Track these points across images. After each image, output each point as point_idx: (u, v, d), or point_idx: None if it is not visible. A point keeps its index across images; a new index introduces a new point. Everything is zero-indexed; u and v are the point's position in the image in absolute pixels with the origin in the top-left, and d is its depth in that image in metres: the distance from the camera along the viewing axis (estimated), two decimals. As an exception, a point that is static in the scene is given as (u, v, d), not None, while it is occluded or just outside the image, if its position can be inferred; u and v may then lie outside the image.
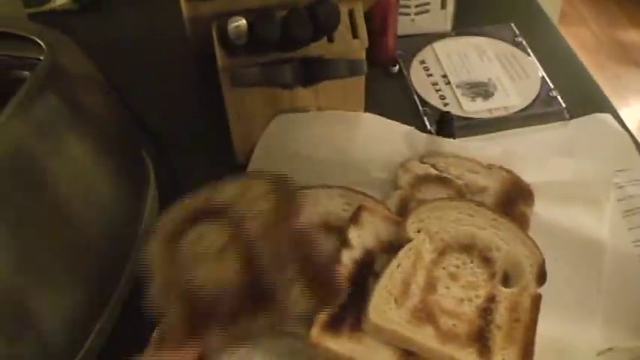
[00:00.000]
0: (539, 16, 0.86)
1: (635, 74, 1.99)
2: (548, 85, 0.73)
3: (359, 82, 0.65)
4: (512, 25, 0.81)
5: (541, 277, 0.53)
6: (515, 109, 0.71)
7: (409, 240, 0.54)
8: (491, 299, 0.52)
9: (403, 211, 0.58)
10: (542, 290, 0.53)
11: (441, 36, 0.80)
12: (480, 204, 0.57)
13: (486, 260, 0.54)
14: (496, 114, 0.71)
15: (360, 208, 0.56)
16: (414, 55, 0.78)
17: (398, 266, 0.52)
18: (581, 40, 2.04)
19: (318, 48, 0.61)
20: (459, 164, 0.62)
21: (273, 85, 0.61)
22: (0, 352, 0.44)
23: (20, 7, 0.75)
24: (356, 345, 0.49)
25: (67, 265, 0.48)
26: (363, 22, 0.62)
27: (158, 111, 0.68)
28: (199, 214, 0.45)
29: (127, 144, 0.59)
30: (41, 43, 0.50)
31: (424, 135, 0.66)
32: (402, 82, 0.75)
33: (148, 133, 0.64)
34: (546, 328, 0.51)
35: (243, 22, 0.58)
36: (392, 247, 0.54)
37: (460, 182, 0.61)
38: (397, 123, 0.67)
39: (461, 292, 0.52)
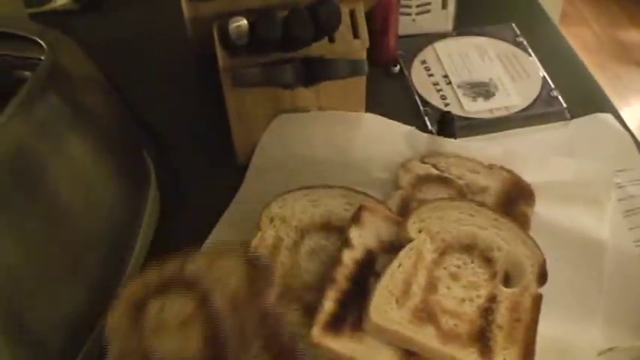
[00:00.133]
0: (541, 16, 0.86)
1: (636, 74, 1.99)
2: (549, 85, 0.73)
3: (360, 82, 0.65)
4: (514, 25, 0.80)
5: (542, 277, 0.53)
6: (516, 109, 0.71)
7: (410, 240, 0.53)
8: (492, 299, 0.52)
9: (404, 211, 0.58)
10: (543, 290, 0.53)
11: (442, 36, 0.79)
12: (481, 204, 0.57)
13: (487, 260, 0.54)
14: (497, 114, 0.71)
15: (361, 208, 0.56)
16: (415, 55, 0.77)
17: (399, 266, 0.52)
18: (582, 40, 2.04)
19: (319, 48, 0.61)
20: (459, 164, 0.62)
21: (274, 85, 0.61)
22: (0, 353, 0.44)
23: (21, 7, 0.75)
24: (357, 345, 0.49)
25: (67, 265, 0.48)
26: (364, 22, 0.62)
27: (159, 111, 0.68)
28: (166, 285, 0.44)
29: (128, 144, 0.59)
30: (42, 43, 0.50)
31: (425, 135, 0.66)
32: (403, 82, 0.75)
33: (149, 133, 0.64)
34: (547, 328, 0.51)
35: (244, 22, 0.58)
36: (393, 247, 0.54)
37: (461, 182, 0.61)
38: (398, 123, 0.67)
39: (462, 292, 0.52)
